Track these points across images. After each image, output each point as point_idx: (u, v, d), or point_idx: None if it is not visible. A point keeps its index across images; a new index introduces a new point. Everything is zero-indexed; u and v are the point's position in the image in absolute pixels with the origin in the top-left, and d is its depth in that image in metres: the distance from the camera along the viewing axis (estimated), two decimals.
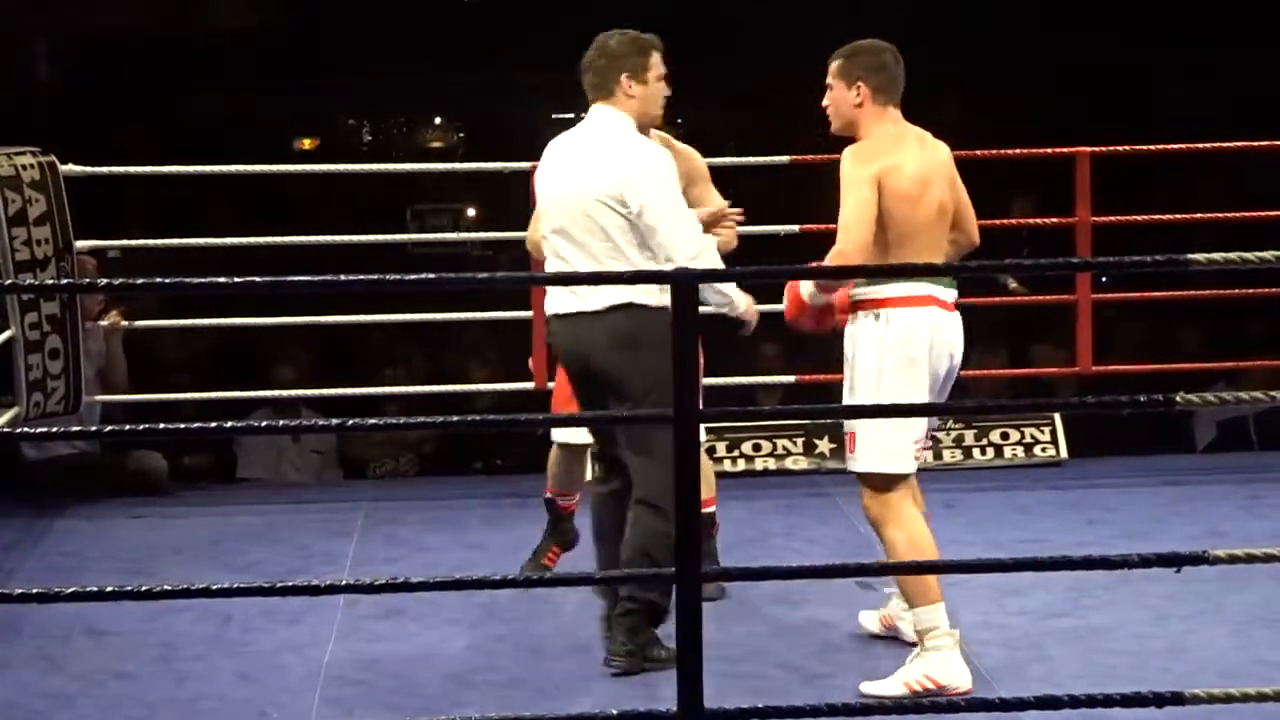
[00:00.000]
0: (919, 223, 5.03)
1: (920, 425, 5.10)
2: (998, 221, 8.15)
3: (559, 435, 5.99)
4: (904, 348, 4.99)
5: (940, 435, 7.66)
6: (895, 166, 5.01)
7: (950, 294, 5.07)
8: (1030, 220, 8.17)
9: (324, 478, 8.74)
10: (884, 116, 5.10)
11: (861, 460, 5.05)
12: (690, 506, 3.64)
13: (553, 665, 5.34)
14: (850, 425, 5.11)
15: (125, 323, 7.70)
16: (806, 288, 5.18)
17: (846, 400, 5.11)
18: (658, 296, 5.05)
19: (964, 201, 5.22)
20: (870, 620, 5.47)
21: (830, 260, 5.01)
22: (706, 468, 5.30)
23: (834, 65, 5.18)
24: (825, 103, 5.22)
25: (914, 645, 5.10)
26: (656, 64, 5.33)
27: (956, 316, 5.10)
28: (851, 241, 4.96)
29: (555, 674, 5.25)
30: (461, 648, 5.49)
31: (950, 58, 11.88)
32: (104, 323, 7.62)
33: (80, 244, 7.35)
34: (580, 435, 5.82)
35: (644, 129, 5.32)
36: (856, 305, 5.07)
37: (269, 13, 14.62)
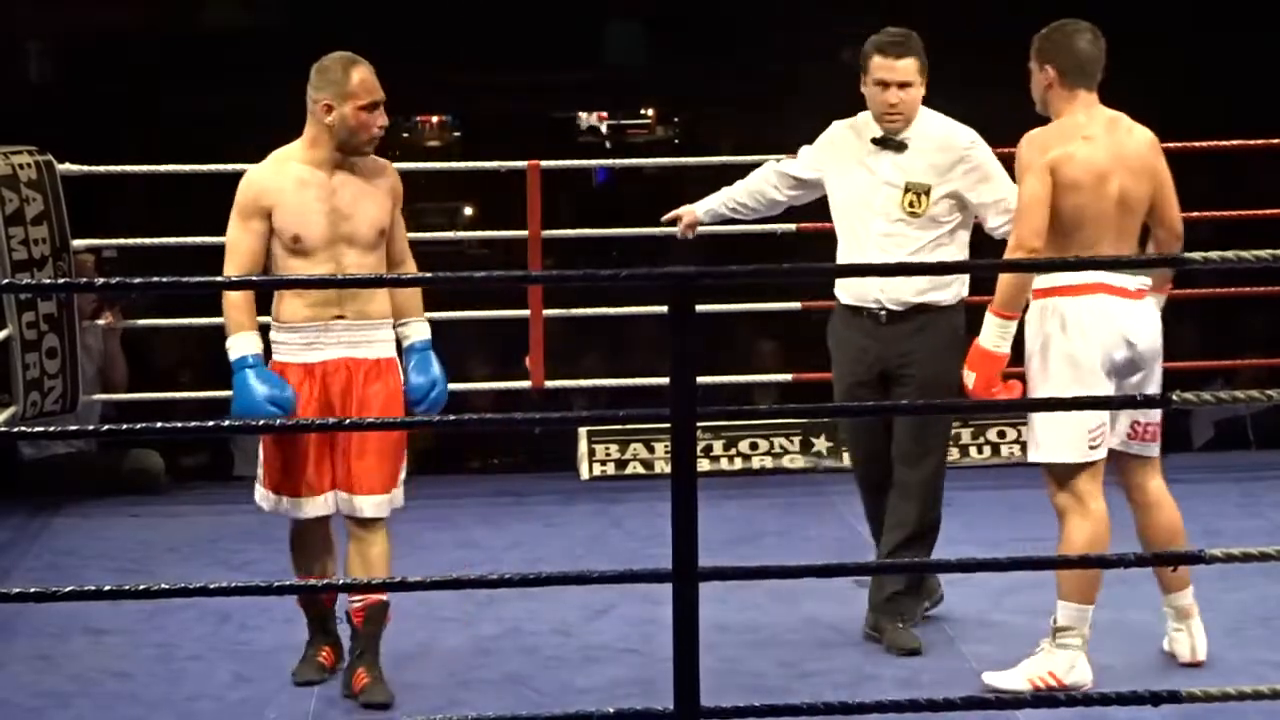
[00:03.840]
0: (1093, 213, 4.93)
1: (1097, 414, 4.98)
2: None
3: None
4: (1066, 336, 4.94)
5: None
6: (1069, 155, 4.93)
7: (1127, 280, 4.94)
8: None
9: None
10: (1073, 99, 5.00)
11: (1038, 450, 5.06)
12: (689, 506, 3.64)
13: (551, 664, 5.34)
14: (1031, 416, 5.19)
15: (123, 321, 7.70)
16: (989, 338, 4.97)
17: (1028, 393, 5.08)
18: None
19: (1162, 194, 5.06)
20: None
21: (1009, 251, 4.97)
22: None
23: (1033, 47, 5.09)
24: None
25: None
26: None
27: (1136, 303, 4.98)
28: (1026, 228, 4.90)
29: (553, 673, 5.26)
30: (459, 647, 5.49)
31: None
32: (100, 322, 7.62)
33: (77, 243, 7.35)
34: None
35: None
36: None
37: (267, 12, 14.62)
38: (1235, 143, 7.80)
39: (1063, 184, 4.90)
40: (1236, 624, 5.43)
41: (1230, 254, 3.79)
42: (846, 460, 7.60)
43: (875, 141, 5.43)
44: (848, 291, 5.49)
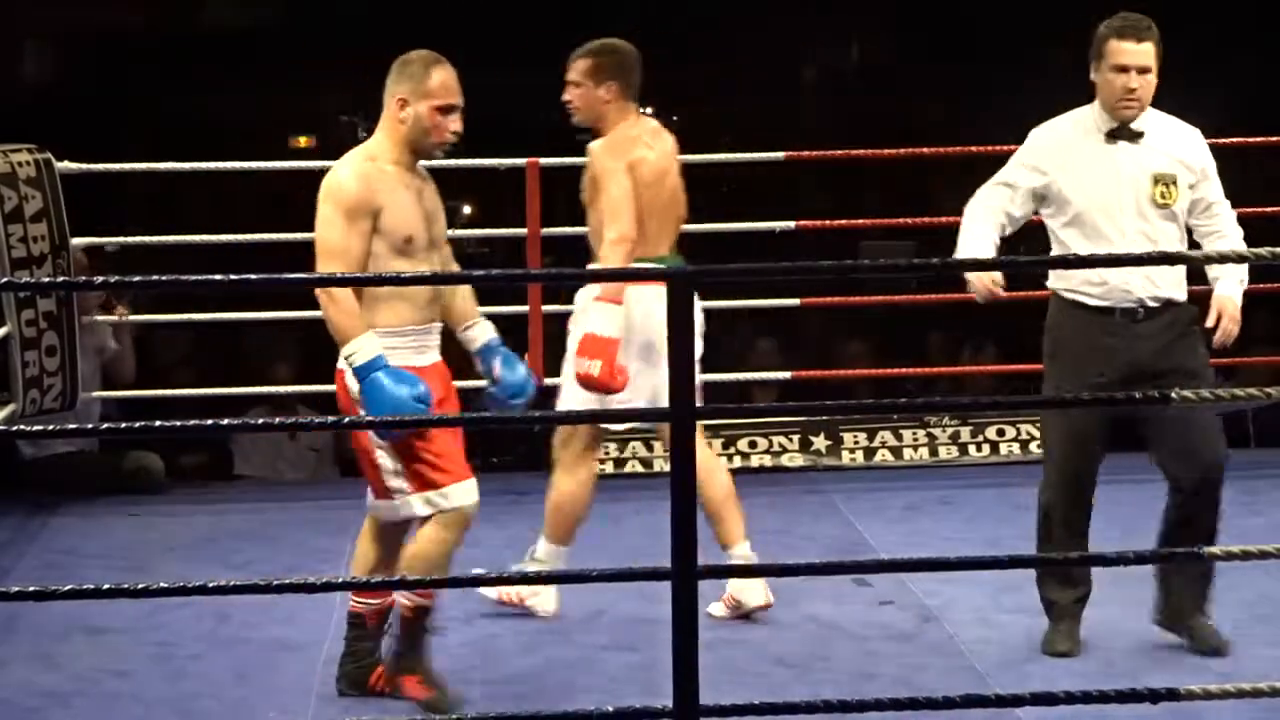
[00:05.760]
0: (659, 206, 5.58)
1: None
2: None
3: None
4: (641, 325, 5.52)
5: (936, 432, 7.67)
6: (642, 158, 5.56)
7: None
8: None
9: (320, 475, 8.73)
10: (627, 112, 5.60)
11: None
12: (689, 505, 3.64)
13: (551, 663, 5.34)
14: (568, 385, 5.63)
15: (131, 316, 7.71)
16: (608, 326, 5.45)
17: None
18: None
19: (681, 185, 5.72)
20: (716, 609, 5.63)
21: (609, 246, 5.44)
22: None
23: (582, 64, 5.62)
24: (568, 98, 5.65)
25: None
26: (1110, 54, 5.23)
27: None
28: (625, 224, 5.47)
29: (553, 673, 5.26)
30: (459, 645, 5.48)
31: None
32: (113, 317, 7.63)
33: (76, 241, 7.36)
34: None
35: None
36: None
37: (266, 11, 14.62)
38: (1236, 140, 7.79)
39: (641, 182, 5.54)
40: (1237, 622, 5.42)
41: (1229, 252, 3.79)
42: (845, 458, 7.63)
43: (1110, 134, 5.25)
44: (1092, 292, 5.24)
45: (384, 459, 4.90)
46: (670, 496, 3.61)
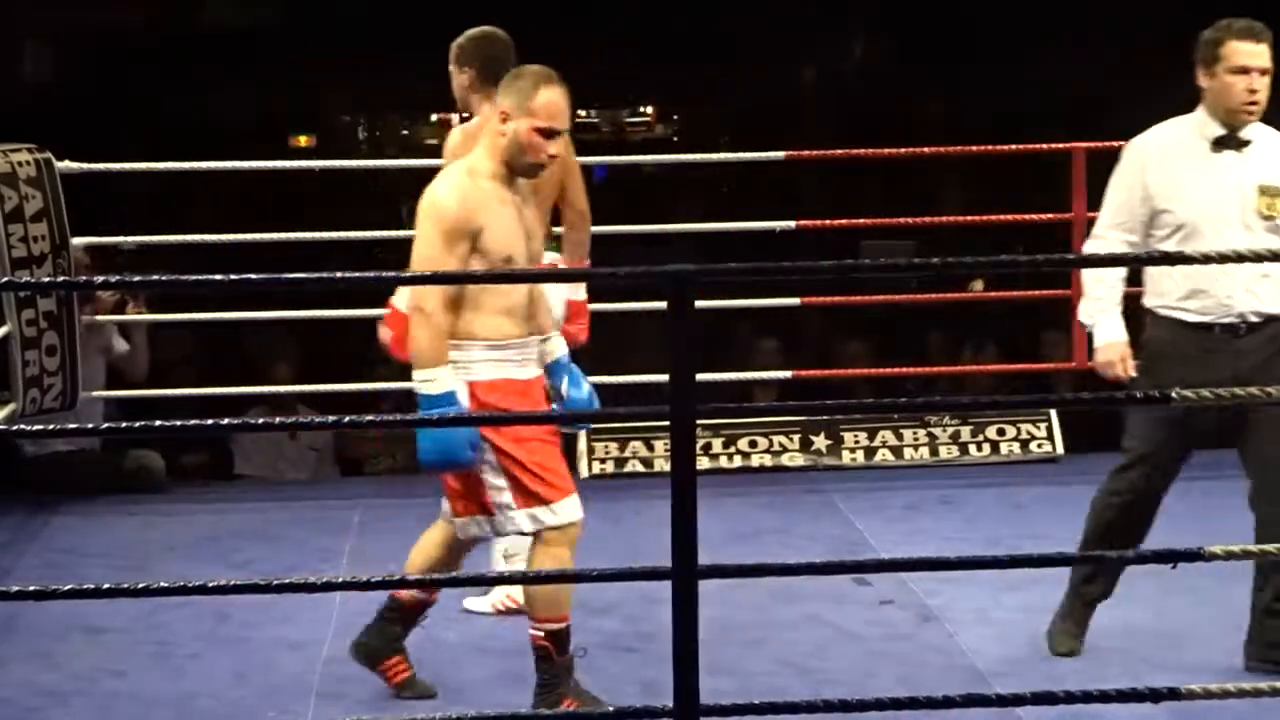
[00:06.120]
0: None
1: None
2: (993, 217, 8.18)
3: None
4: None
5: (937, 432, 7.67)
6: None
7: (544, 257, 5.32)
8: (1025, 216, 8.13)
9: (321, 475, 8.74)
10: (489, 98, 5.25)
11: None
12: (689, 505, 3.64)
13: None
14: None
15: (146, 315, 7.72)
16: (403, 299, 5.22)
17: None
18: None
19: (570, 179, 5.65)
20: (478, 604, 5.73)
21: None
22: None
23: (451, 50, 5.52)
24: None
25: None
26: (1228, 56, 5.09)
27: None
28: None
29: None
30: (459, 644, 5.49)
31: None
32: (121, 316, 7.64)
33: (77, 240, 7.36)
34: None
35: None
36: None
37: (266, 11, 14.62)
38: None
39: None
40: (1237, 622, 5.42)
41: (1229, 251, 3.78)
42: (846, 458, 7.63)
43: (1216, 142, 5.09)
44: (1190, 307, 5.08)
45: (490, 475, 4.78)
46: (670, 496, 3.62)
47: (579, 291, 5.68)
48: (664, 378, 3.57)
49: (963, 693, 3.83)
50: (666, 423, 3.63)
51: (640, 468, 7.55)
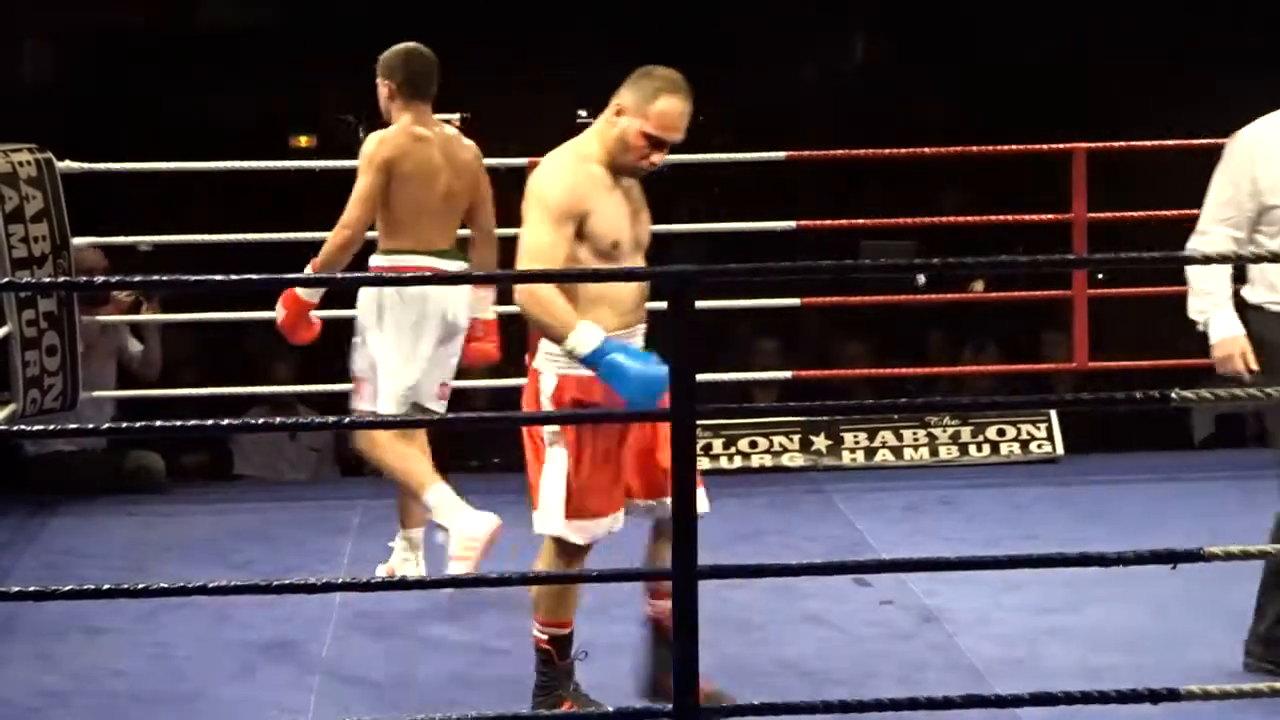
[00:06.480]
0: (430, 205, 5.81)
1: (413, 375, 5.81)
2: (993, 218, 8.17)
3: None
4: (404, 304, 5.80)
5: (937, 432, 7.67)
6: (394, 158, 5.78)
7: (451, 265, 5.82)
8: (1025, 216, 8.12)
9: (321, 475, 8.73)
10: (407, 110, 5.86)
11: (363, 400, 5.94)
12: (689, 505, 3.64)
13: None
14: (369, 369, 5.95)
15: (159, 315, 7.73)
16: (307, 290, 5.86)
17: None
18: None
19: (484, 197, 6.01)
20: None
21: (336, 229, 5.73)
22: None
23: (379, 62, 5.93)
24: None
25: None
26: None
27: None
28: (352, 215, 5.74)
29: None
30: (459, 645, 5.49)
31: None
32: (134, 317, 7.65)
33: (88, 240, 7.37)
34: None
35: None
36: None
37: (266, 11, 14.61)
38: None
39: (401, 178, 5.77)
40: (1237, 622, 5.42)
41: (1229, 251, 3.79)
42: (846, 458, 7.63)
43: None
44: None
45: (548, 467, 4.72)
46: (670, 495, 3.62)
47: (488, 311, 6.02)
48: None
49: (963, 693, 3.84)
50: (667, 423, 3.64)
51: None
